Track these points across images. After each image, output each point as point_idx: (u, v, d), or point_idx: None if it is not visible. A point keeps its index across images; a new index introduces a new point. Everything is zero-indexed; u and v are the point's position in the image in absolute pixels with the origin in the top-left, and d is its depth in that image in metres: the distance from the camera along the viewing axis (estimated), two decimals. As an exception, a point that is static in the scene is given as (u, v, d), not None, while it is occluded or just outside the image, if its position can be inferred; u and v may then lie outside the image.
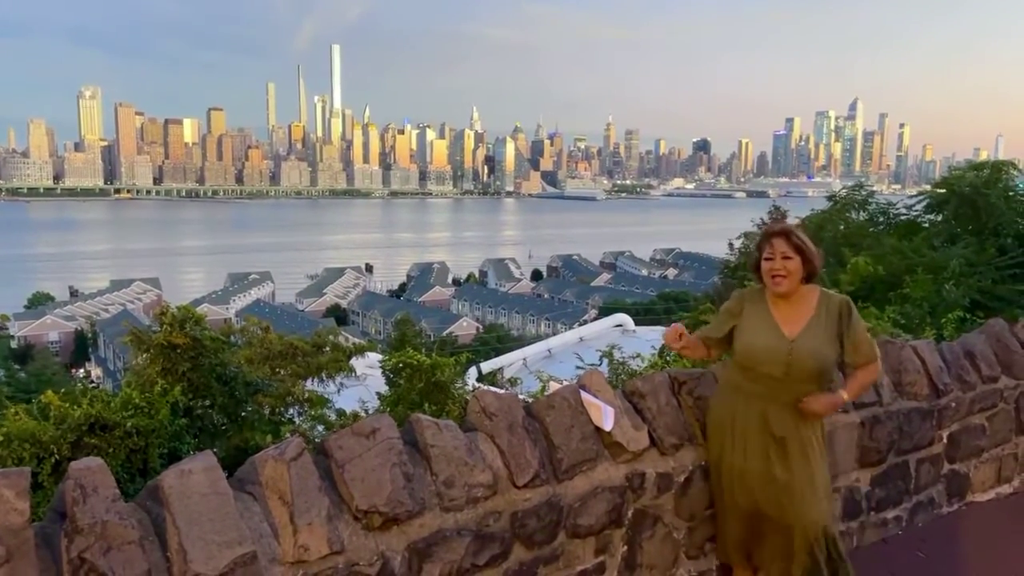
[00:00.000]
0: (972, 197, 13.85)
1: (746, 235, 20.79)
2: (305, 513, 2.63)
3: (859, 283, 9.80)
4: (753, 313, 3.55)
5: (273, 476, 2.66)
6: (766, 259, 3.46)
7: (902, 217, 16.18)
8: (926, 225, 15.27)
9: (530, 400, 3.71)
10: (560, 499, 3.32)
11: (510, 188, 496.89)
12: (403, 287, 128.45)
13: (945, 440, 5.05)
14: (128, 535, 2.31)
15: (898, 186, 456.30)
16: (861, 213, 17.09)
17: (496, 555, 3.12)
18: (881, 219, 16.58)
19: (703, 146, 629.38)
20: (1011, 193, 14.52)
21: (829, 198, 18.38)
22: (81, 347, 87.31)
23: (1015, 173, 15.29)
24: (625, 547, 3.60)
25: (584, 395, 3.56)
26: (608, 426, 3.50)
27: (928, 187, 16.58)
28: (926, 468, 4.90)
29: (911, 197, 17.33)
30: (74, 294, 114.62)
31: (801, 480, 3.45)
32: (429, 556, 2.91)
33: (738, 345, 3.56)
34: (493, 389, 4.15)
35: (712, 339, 3.70)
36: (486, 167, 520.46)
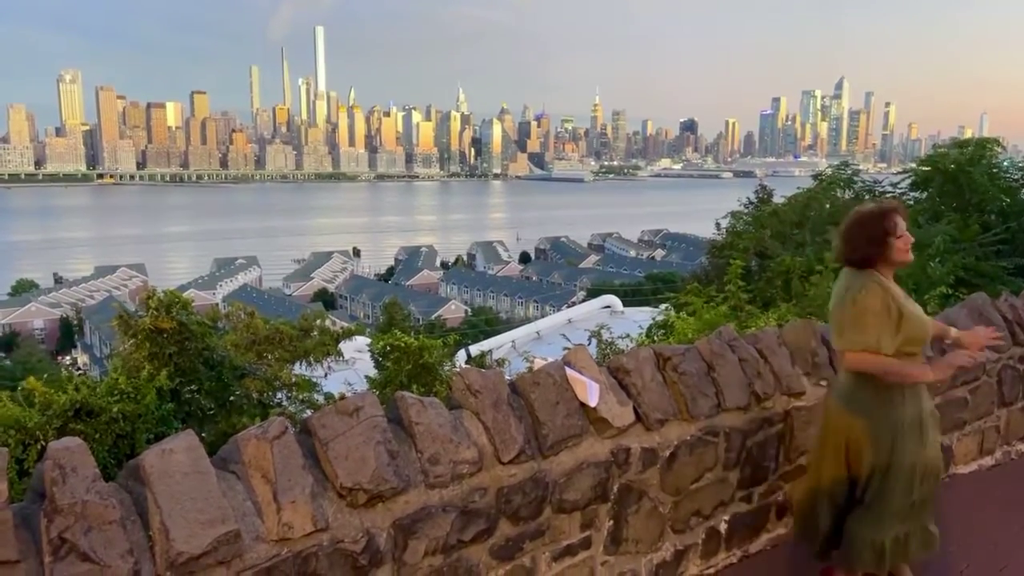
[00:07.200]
0: (956, 174, 13.94)
1: (733, 214, 20.83)
2: (288, 491, 2.62)
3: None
4: (900, 296, 3.52)
5: (256, 455, 2.64)
6: (900, 236, 3.48)
7: (887, 195, 16.26)
8: (911, 203, 15.35)
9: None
10: (545, 475, 3.33)
11: (497, 170, 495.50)
12: (391, 271, 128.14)
13: (928, 413, 5.09)
14: (109, 515, 2.30)
15: (884, 165, 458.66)
16: (847, 191, 17.19)
17: (482, 531, 3.13)
18: (867, 197, 16.66)
19: (690, 126, 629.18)
20: (994, 170, 14.62)
21: (815, 177, 18.47)
22: (67, 334, 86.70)
23: (998, 150, 15.39)
24: (611, 522, 3.62)
25: (569, 371, 3.56)
26: (593, 402, 3.50)
27: (913, 165, 16.68)
28: (909, 441, 4.94)
29: (896, 175, 17.44)
30: (58, 281, 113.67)
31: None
32: (414, 532, 2.91)
33: (913, 332, 3.48)
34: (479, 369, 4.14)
35: (888, 348, 3.50)
36: (473, 149, 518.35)
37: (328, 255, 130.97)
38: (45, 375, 6.94)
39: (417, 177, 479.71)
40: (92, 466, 2.33)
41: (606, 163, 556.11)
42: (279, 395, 10.07)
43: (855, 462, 3.64)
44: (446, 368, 10.13)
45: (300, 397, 10.10)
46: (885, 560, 3.63)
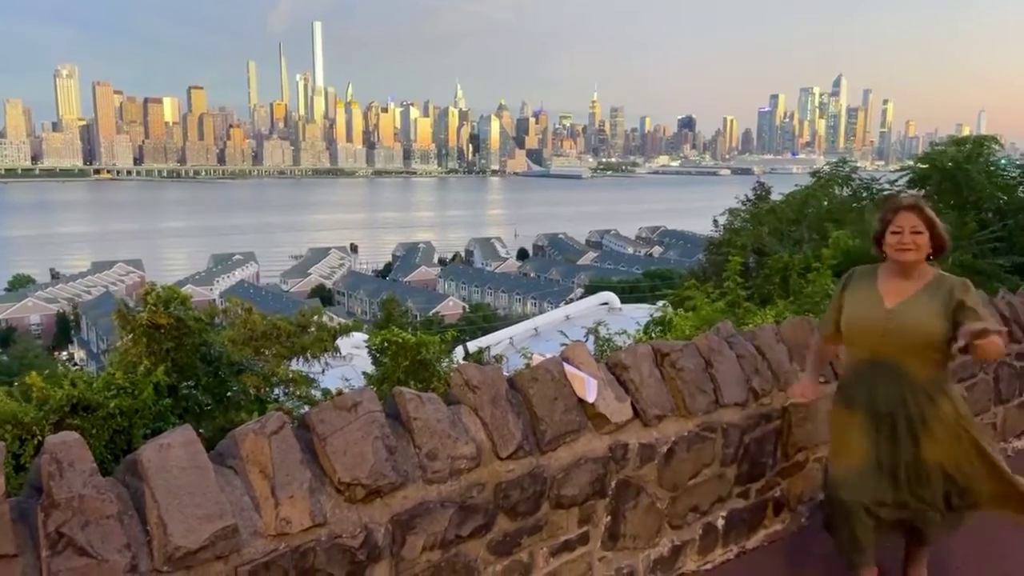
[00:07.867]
0: (953, 172, 13.93)
1: (731, 211, 20.83)
2: (286, 486, 2.62)
3: (841, 257, 9.84)
4: (859, 288, 3.53)
5: (253, 450, 2.64)
6: (894, 232, 3.40)
7: (885, 192, 16.26)
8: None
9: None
10: (543, 470, 3.33)
11: (495, 166, 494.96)
12: (388, 267, 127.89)
13: (925, 410, 5.09)
14: (106, 509, 2.29)
15: (881, 162, 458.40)
16: (845, 189, 17.19)
17: (480, 526, 3.13)
18: (864, 195, 16.67)
19: (688, 123, 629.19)
20: (992, 168, 14.61)
21: (813, 174, 18.45)
22: (63, 329, 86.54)
23: (996, 148, 15.39)
24: (608, 517, 3.63)
25: (567, 367, 3.56)
26: (591, 398, 3.50)
27: (911, 163, 16.67)
28: (906, 438, 4.95)
29: (894, 172, 17.43)
30: (55, 276, 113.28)
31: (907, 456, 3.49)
32: (412, 528, 2.91)
33: (846, 325, 3.53)
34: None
35: (830, 335, 3.71)
36: (471, 145, 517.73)
37: (325, 251, 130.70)
38: (46, 372, 6.92)
39: (415, 173, 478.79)
40: (89, 460, 2.33)
41: (604, 160, 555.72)
42: (276, 391, 10.06)
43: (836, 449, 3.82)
44: (444, 364, 10.12)
45: (298, 393, 10.09)
46: (848, 550, 3.66)
